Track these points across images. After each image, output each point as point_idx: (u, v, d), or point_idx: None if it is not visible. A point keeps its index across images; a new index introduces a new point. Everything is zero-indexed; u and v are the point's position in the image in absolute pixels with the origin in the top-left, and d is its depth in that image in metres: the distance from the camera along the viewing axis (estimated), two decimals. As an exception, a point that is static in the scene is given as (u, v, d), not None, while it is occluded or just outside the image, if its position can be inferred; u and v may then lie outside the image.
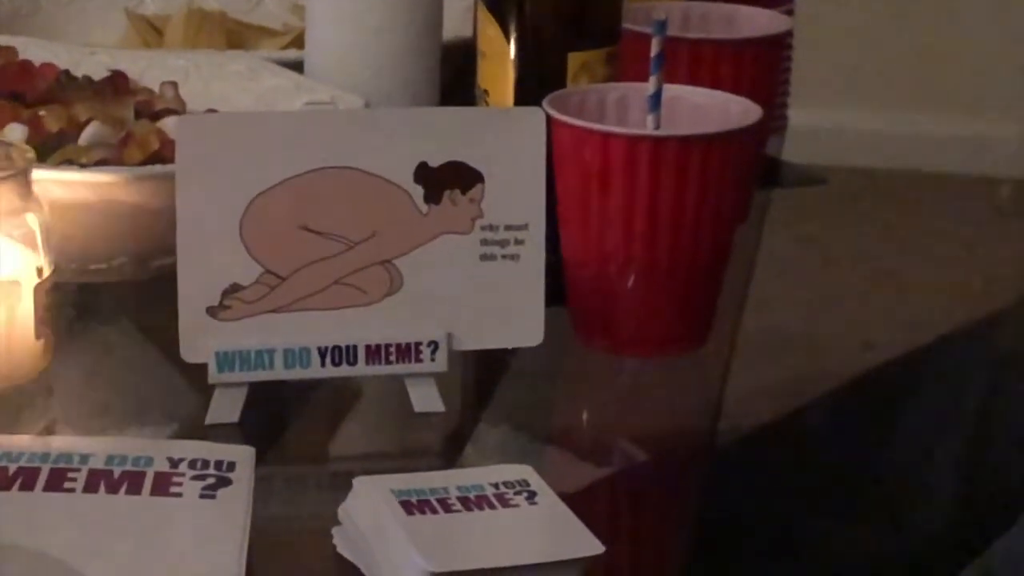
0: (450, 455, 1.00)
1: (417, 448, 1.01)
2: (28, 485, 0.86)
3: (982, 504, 1.38)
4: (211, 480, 0.87)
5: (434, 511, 0.86)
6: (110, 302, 1.10)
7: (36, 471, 0.87)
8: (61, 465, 0.87)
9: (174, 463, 0.88)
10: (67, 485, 0.86)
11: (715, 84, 1.21)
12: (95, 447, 0.89)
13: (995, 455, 1.42)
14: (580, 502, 0.89)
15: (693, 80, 1.20)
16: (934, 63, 3.57)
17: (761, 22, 1.44)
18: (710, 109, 1.17)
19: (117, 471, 0.87)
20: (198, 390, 1.00)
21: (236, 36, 1.46)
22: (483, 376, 1.09)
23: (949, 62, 3.58)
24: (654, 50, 1.14)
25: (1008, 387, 1.43)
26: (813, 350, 1.47)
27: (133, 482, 0.87)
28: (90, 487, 0.86)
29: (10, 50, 1.27)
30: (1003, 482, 1.33)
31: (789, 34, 1.49)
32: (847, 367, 1.38)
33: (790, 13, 1.53)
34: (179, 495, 0.86)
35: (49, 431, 0.93)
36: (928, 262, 1.57)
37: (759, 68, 1.38)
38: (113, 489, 0.86)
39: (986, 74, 3.61)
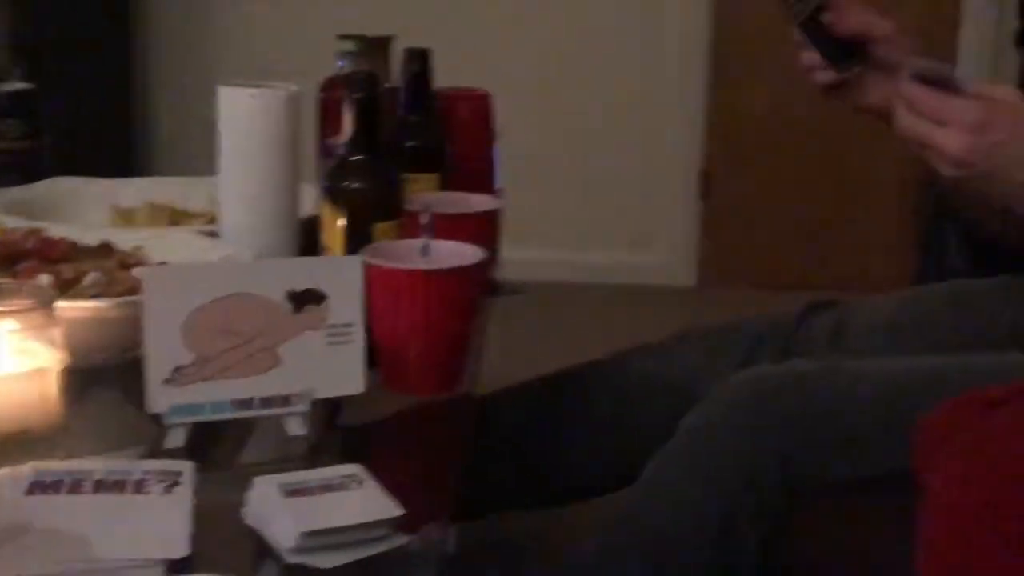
0: (312, 461, 0.98)
1: (291, 457, 1.00)
2: (55, 489, 0.85)
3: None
4: (169, 483, 0.87)
5: (302, 495, 0.86)
6: (101, 379, 1.08)
7: (60, 482, 0.86)
8: (77, 478, 0.86)
9: (146, 473, 0.87)
10: (82, 489, 0.85)
11: (459, 239, 1.20)
12: (97, 465, 0.88)
13: None
14: (382, 472, 0.89)
15: (446, 236, 1.18)
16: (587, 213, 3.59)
17: (482, 202, 1.43)
18: (457, 253, 1.16)
19: (111, 480, 0.87)
20: (159, 429, 0.99)
21: (177, 218, 1.45)
22: (327, 412, 1.07)
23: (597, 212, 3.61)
24: (424, 220, 1.16)
25: None
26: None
27: (121, 486, 0.86)
28: (96, 490, 0.86)
29: (39, 230, 1.24)
30: None
31: (498, 209, 1.46)
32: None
33: (499, 195, 1.54)
34: (149, 492, 0.86)
35: (68, 457, 0.91)
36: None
37: (483, 228, 1.37)
38: (109, 491, 0.86)
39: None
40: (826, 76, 1.30)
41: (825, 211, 3.50)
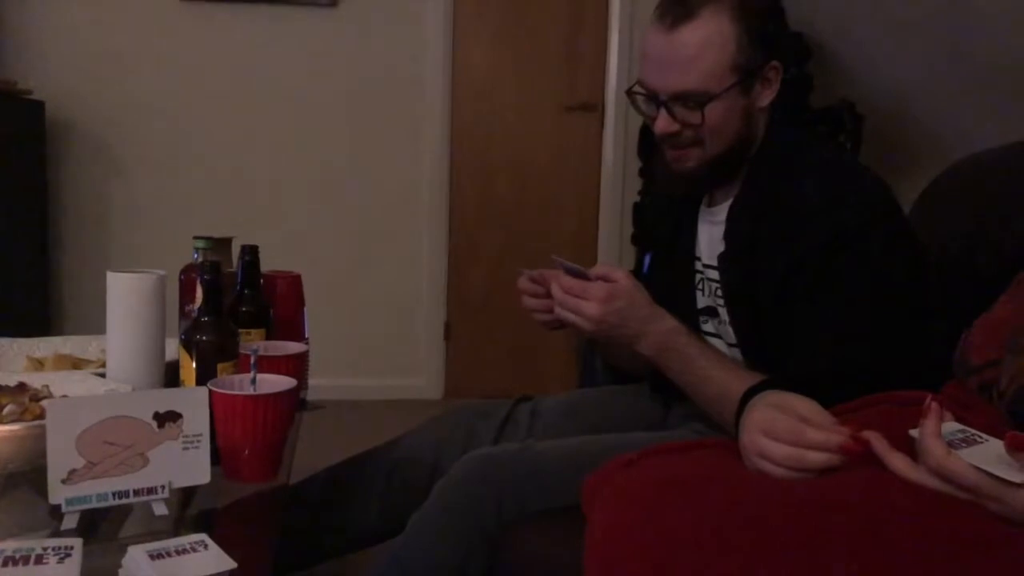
0: (172, 533, 0.92)
1: (158, 531, 0.93)
2: None
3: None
4: (62, 555, 0.79)
5: (164, 557, 0.80)
6: (20, 480, 0.99)
7: None
8: None
9: (45, 549, 0.79)
10: None
11: (278, 372, 1.16)
12: (9, 544, 0.79)
13: None
14: (221, 539, 0.83)
15: (269, 371, 1.14)
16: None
17: (295, 347, 1.36)
18: (276, 382, 1.12)
19: (18, 556, 0.78)
20: (58, 515, 0.90)
21: (77, 363, 1.35)
22: (184, 496, 1.01)
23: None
24: (253, 360, 1.12)
25: None
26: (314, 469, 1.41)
27: (26, 559, 0.77)
28: (4, 564, 0.76)
29: (-35, 376, 1.14)
30: None
31: (306, 351, 1.39)
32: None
33: (307, 342, 1.50)
34: (47, 563, 0.77)
35: None
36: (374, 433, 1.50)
37: (295, 365, 1.31)
38: (15, 564, 0.77)
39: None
40: (545, 317, 1.27)
41: (527, 342, 3.57)
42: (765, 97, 1.19)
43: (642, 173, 3.42)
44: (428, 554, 1.16)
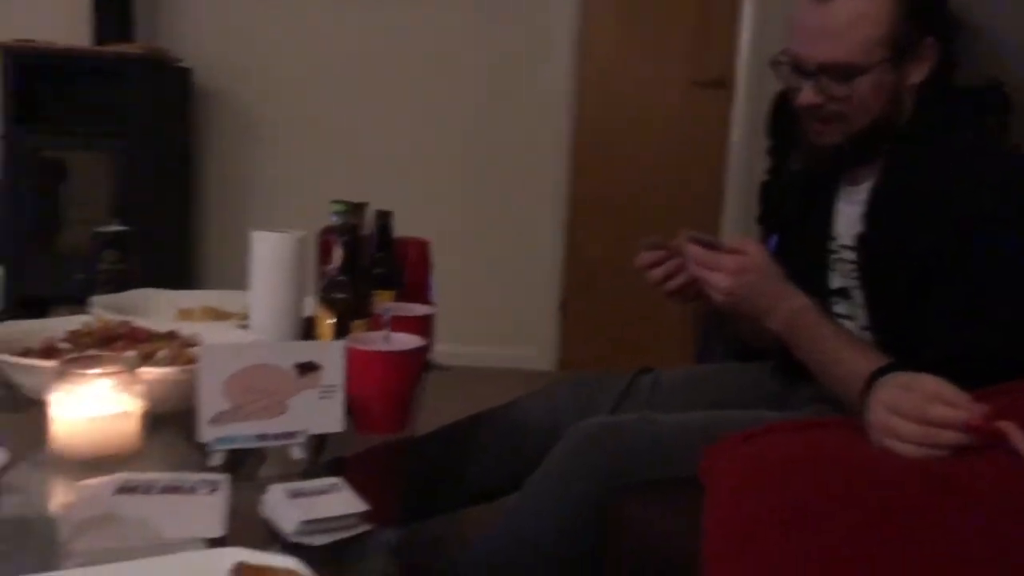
0: (307, 475, 0.95)
1: (294, 473, 0.97)
2: (134, 491, 0.83)
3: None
4: (211, 489, 0.85)
5: (301, 496, 0.85)
6: (168, 420, 1.06)
7: (138, 486, 0.84)
8: (149, 484, 0.84)
9: (196, 482, 0.86)
10: (153, 491, 0.83)
11: (407, 332, 1.18)
12: (163, 477, 0.86)
13: None
14: (353, 484, 0.88)
15: (399, 330, 1.17)
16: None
17: (423, 309, 1.41)
18: (406, 341, 1.15)
19: (172, 486, 0.85)
20: (205, 453, 0.97)
21: (222, 316, 1.43)
22: (319, 443, 1.05)
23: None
24: (385, 320, 1.16)
25: None
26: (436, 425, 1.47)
27: (179, 490, 0.84)
28: (162, 492, 0.84)
29: (128, 322, 1.22)
30: None
31: (433, 314, 1.44)
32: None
33: (434, 305, 1.52)
34: (197, 494, 0.84)
35: (144, 471, 0.88)
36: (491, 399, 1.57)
37: (423, 326, 1.35)
38: (172, 492, 0.84)
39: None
40: (672, 285, 1.26)
41: (644, 317, 3.55)
42: (916, 74, 1.15)
43: (771, 152, 3.32)
44: (541, 517, 1.18)
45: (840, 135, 1.17)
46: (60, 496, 0.89)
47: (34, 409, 1.02)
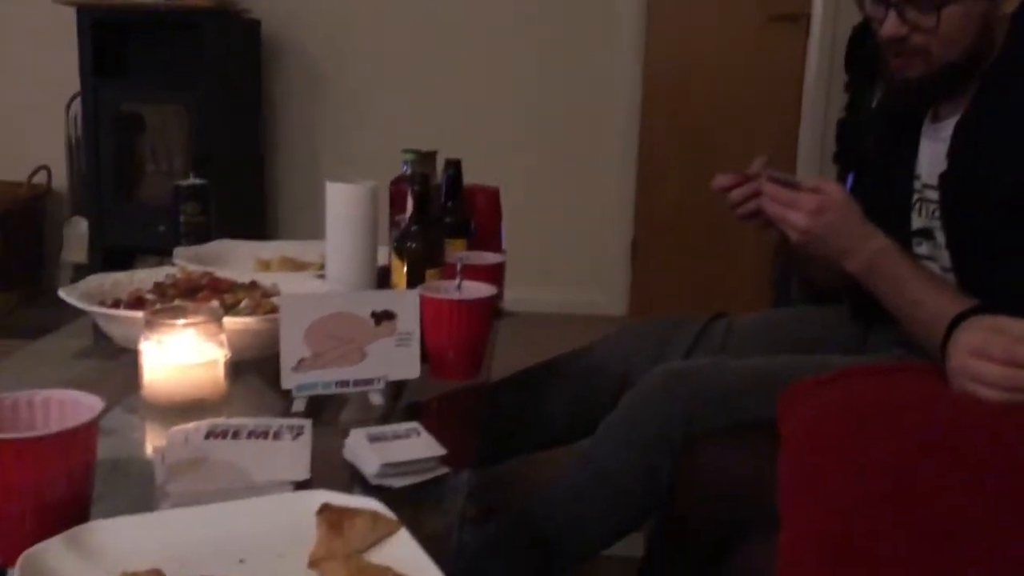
0: (385, 419, 0.98)
1: (373, 417, 1.00)
2: (223, 436, 0.85)
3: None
4: (296, 433, 0.87)
5: (381, 440, 0.87)
6: (251, 367, 1.10)
7: (227, 431, 0.86)
8: (237, 429, 0.86)
9: (281, 427, 0.88)
10: (240, 436, 0.85)
11: (479, 280, 1.19)
12: (249, 423, 0.88)
13: None
14: (431, 428, 0.90)
15: (471, 279, 1.17)
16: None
17: (494, 258, 1.43)
18: (478, 289, 1.16)
19: (259, 430, 0.87)
20: (288, 399, 1.00)
21: (299, 266, 1.45)
22: (396, 389, 1.08)
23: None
24: (458, 268, 1.17)
25: None
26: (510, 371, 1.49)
27: (265, 434, 0.86)
28: (249, 436, 0.86)
29: (211, 272, 1.26)
30: None
31: (503, 262, 1.46)
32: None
33: (504, 254, 1.54)
34: (283, 439, 0.86)
35: (230, 416, 0.91)
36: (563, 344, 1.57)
37: (494, 274, 1.37)
38: (258, 437, 0.86)
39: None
40: (743, 210, 1.22)
41: (716, 262, 3.51)
42: (1010, 3, 1.09)
43: (848, 88, 3.22)
44: (614, 460, 1.19)
45: (922, 69, 1.12)
46: (153, 440, 0.94)
47: (126, 357, 1.07)
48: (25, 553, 0.61)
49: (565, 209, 3.53)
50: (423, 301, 1.07)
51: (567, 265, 3.58)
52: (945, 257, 1.17)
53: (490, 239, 1.59)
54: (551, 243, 3.53)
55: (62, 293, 1.16)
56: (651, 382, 1.21)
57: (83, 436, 0.69)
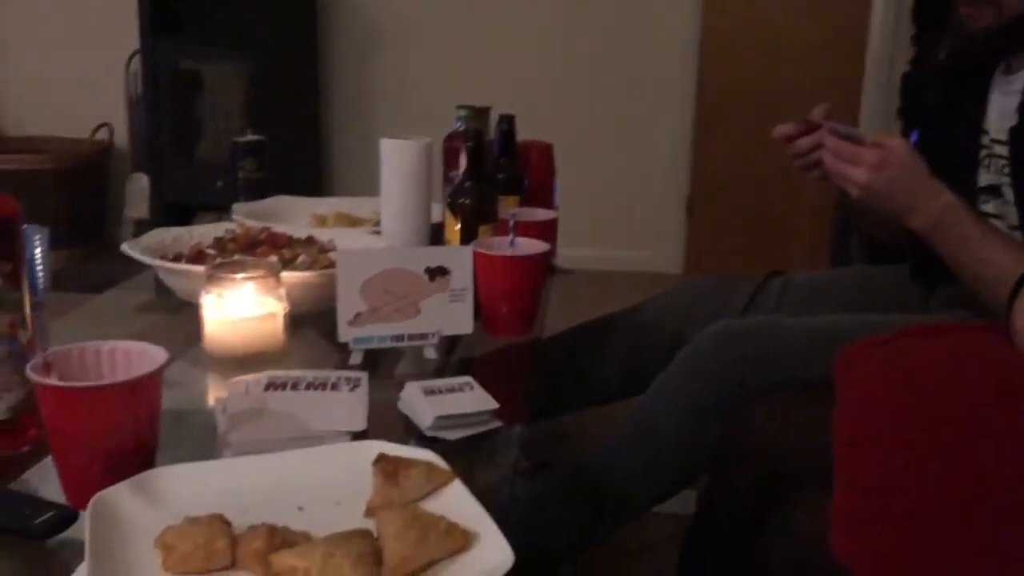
0: (439, 373, 1.00)
1: (428, 371, 1.02)
2: (282, 387, 0.87)
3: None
4: (353, 385, 0.88)
5: (436, 393, 0.88)
6: (308, 321, 1.11)
7: (286, 382, 0.87)
8: (296, 380, 0.88)
9: (338, 379, 0.89)
10: (299, 387, 0.87)
11: (532, 237, 1.20)
12: (308, 375, 0.90)
13: None
14: (484, 383, 0.90)
15: (523, 236, 1.18)
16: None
17: (547, 214, 1.43)
18: (531, 246, 1.17)
19: (317, 382, 0.88)
20: (345, 353, 1.01)
21: (354, 222, 1.47)
22: (450, 344, 1.09)
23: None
24: (511, 224, 1.17)
25: None
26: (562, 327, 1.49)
27: (323, 385, 0.88)
28: (307, 388, 0.87)
29: (268, 228, 1.28)
30: None
31: (556, 219, 1.46)
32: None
33: (557, 210, 1.54)
34: (340, 390, 0.87)
35: (289, 368, 0.93)
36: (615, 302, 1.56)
37: (547, 230, 1.37)
38: (316, 388, 0.87)
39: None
40: (802, 162, 1.20)
41: (772, 221, 3.46)
42: None
43: (915, 39, 3.11)
44: (667, 416, 1.19)
45: (995, 19, 1.08)
46: (215, 391, 0.96)
47: (187, 311, 1.09)
48: (95, 497, 0.63)
49: (619, 165, 3.50)
50: (476, 257, 1.08)
51: (621, 222, 3.56)
52: (1013, 214, 1.14)
53: (543, 195, 1.59)
54: (605, 200, 3.51)
55: (125, 248, 1.18)
56: (706, 340, 1.20)
57: (148, 385, 0.71)
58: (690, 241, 3.56)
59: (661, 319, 1.42)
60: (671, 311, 1.43)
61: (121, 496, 0.65)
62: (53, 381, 0.69)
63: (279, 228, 1.30)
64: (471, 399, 0.88)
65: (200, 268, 1.06)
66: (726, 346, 1.17)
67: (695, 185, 3.51)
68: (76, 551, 0.62)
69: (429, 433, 0.85)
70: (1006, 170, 1.14)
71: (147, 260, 1.16)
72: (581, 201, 3.39)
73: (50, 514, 0.66)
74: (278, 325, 1.00)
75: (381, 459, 0.69)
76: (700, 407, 1.16)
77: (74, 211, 3.32)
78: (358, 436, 0.80)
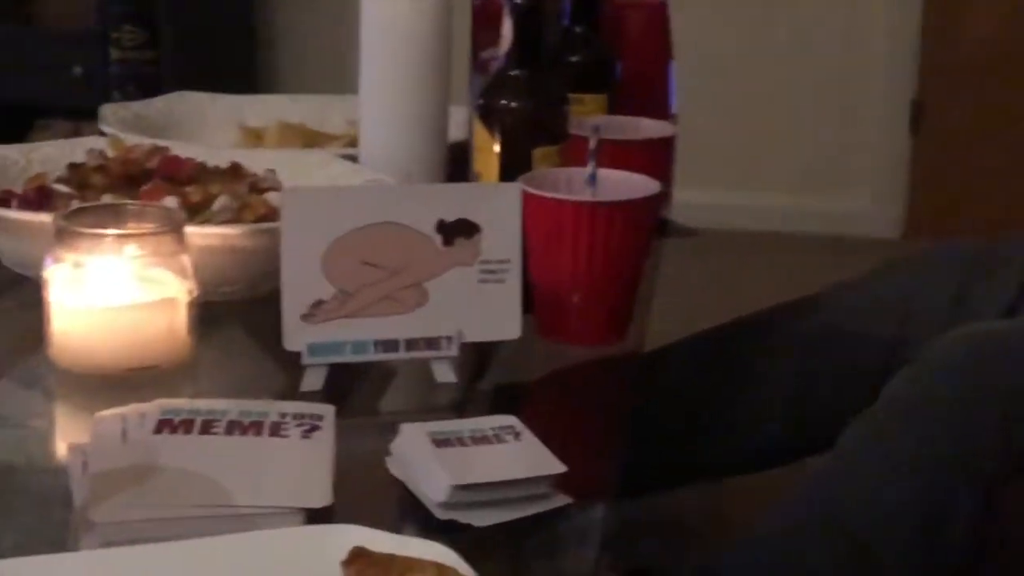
0: (459, 409, 1.01)
1: (439, 406, 1.03)
2: (186, 428, 0.87)
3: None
4: (307, 427, 0.89)
5: (453, 445, 0.88)
6: (231, 313, 1.12)
7: (192, 422, 0.88)
8: (208, 418, 0.88)
9: (283, 416, 0.89)
10: (214, 430, 0.87)
11: (629, 168, 1.20)
12: (230, 406, 0.90)
13: None
14: (537, 426, 0.91)
15: (614, 166, 1.19)
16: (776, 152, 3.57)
17: (656, 128, 1.44)
18: (627, 184, 1.17)
19: (246, 421, 0.89)
20: (294, 370, 1.01)
21: (311, 139, 1.48)
22: (477, 358, 1.09)
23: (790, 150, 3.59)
24: (592, 145, 1.17)
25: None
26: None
27: (257, 428, 0.88)
28: (229, 431, 0.88)
29: (165, 148, 1.30)
30: None
31: (674, 136, 1.47)
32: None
33: (674, 122, 1.54)
34: (287, 436, 0.88)
35: (198, 396, 0.94)
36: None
37: (656, 158, 1.37)
38: (244, 432, 0.88)
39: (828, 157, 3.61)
40: None
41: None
42: None
43: None
44: (876, 492, 1.19)
45: None
46: (68, 434, 0.96)
47: (21, 291, 1.11)
48: None
49: (790, 43, 3.48)
50: (529, 203, 1.08)
51: (794, 155, 3.54)
52: None
53: (650, 95, 1.58)
54: (765, 110, 3.50)
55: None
56: (938, 362, 1.20)
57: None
58: (916, 179, 3.54)
59: (864, 318, 1.43)
60: (883, 302, 1.44)
61: None
62: None
63: (181, 149, 1.31)
64: (516, 457, 0.89)
65: (43, 217, 1.07)
66: (979, 370, 1.17)
67: (925, 86, 3.49)
68: None
69: (442, 515, 0.85)
70: None
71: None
72: (722, 110, 3.39)
73: None
74: (179, 319, 1.01)
75: (358, 557, 0.70)
76: (937, 474, 1.16)
77: None
78: (316, 516, 0.81)
